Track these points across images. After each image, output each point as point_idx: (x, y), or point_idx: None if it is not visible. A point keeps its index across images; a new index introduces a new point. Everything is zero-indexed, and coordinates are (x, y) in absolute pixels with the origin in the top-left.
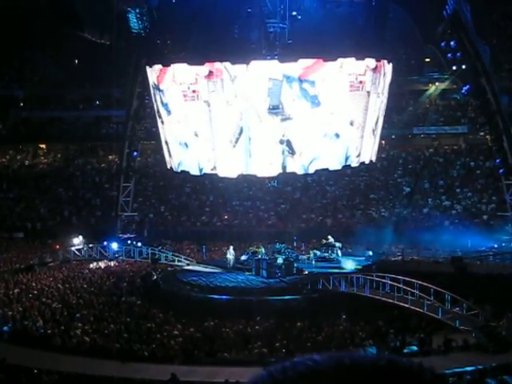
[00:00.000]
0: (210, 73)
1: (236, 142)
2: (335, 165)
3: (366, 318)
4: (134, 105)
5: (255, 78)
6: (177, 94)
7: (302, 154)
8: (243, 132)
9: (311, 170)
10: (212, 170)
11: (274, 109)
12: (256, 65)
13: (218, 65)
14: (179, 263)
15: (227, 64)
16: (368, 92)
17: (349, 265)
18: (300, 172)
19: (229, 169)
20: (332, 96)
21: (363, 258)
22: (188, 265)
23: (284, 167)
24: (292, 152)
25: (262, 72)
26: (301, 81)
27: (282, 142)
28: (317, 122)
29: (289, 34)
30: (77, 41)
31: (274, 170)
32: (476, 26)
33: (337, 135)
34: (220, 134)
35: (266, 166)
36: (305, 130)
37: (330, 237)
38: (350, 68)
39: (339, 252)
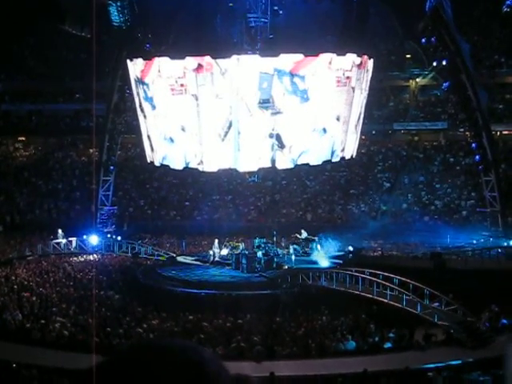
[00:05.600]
0: (200, 66)
1: (225, 135)
2: (322, 159)
3: (346, 313)
4: (114, 98)
5: (246, 71)
6: (163, 88)
7: (291, 148)
8: (232, 126)
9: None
10: (199, 164)
11: (265, 103)
12: (247, 58)
13: (208, 58)
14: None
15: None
16: (353, 88)
17: (328, 260)
18: (289, 166)
19: (217, 163)
20: (321, 91)
21: (343, 253)
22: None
23: (273, 161)
24: (281, 146)
25: (253, 66)
26: (292, 75)
27: (271, 135)
28: (306, 117)
29: (270, 28)
30: (57, 34)
31: (262, 164)
32: (457, 23)
33: (324, 130)
34: (208, 128)
35: (255, 159)
36: (294, 125)
37: (303, 231)
38: (338, 64)
39: (319, 247)
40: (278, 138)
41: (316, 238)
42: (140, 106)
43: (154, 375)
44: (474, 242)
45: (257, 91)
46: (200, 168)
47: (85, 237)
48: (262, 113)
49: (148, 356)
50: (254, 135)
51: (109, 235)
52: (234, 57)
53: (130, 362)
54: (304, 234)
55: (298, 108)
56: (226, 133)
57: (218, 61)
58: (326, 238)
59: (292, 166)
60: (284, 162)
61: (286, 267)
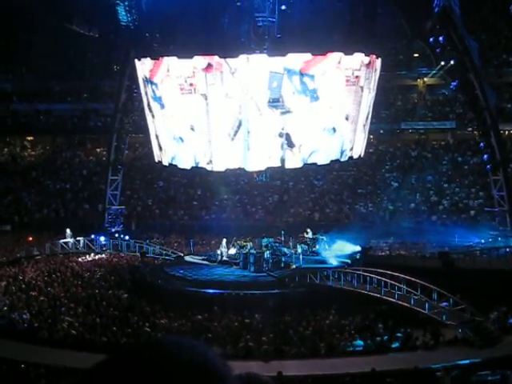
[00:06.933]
0: (209, 65)
1: (234, 135)
2: (331, 158)
3: (354, 313)
4: (122, 98)
5: (256, 71)
6: (172, 88)
7: (301, 147)
8: (242, 125)
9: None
10: (208, 163)
11: (274, 102)
12: (257, 58)
13: (217, 58)
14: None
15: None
16: (361, 87)
17: (336, 259)
18: (298, 165)
19: (226, 162)
20: (330, 90)
21: (351, 252)
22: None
23: (283, 160)
24: (291, 145)
25: (263, 65)
26: (302, 74)
27: (281, 135)
28: (316, 116)
29: (278, 28)
30: (65, 33)
31: (272, 164)
32: (465, 22)
33: (333, 129)
34: (218, 128)
35: (265, 159)
36: (304, 124)
37: (308, 230)
38: (347, 63)
39: (327, 246)
40: (288, 137)
41: (323, 237)
42: (148, 105)
43: (157, 375)
44: (483, 241)
45: (266, 90)
46: (209, 168)
47: (93, 236)
48: (272, 112)
49: (152, 355)
50: (263, 134)
51: (117, 235)
52: (244, 56)
53: (133, 362)
54: (310, 233)
55: (308, 107)
56: (236, 132)
57: (228, 60)
58: (333, 237)
59: (301, 165)
60: (294, 162)
61: (294, 267)
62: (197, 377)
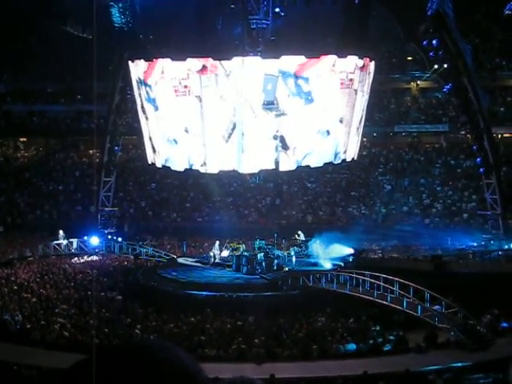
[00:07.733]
0: (204, 68)
1: (229, 137)
2: (324, 161)
3: (347, 315)
4: (115, 99)
5: (251, 73)
6: (166, 89)
7: (295, 149)
8: (236, 127)
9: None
10: (202, 165)
11: (269, 104)
12: (251, 60)
13: (212, 60)
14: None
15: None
16: (355, 90)
17: (329, 262)
18: (293, 168)
19: (220, 164)
20: (324, 93)
21: (343, 255)
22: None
23: (277, 163)
24: (285, 147)
25: (258, 67)
26: (296, 77)
27: (275, 137)
28: (310, 119)
29: (272, 30)
30: (59, 35)
31: (266, 166)
32: (458, 25)
33: (328, 132)
34: (212, 130)
35: (259, 161)
36: (299, 126)
37: (300, 232)
38: (342, 66)
39: (319, 249)
40: (282, 139)
41: (316, 240)
42: (142, 107)
43: (131, 373)
44: (475, 244)
45: (261, 93)
46: (203, 170)
47: (86, 238)
48: (266, 114)
49: (126, 355)
50: (258, 137)
51: (109, 236)
52: (239, 58)
53: (108, 361)
54: (301, 236)
55: (302, 110)
56: (230, 134)
57: (223, 62)
58: (326, 239)
59: (295, 167)
60: (288, 164)
61: (287, 269)
62: (169, 375)
